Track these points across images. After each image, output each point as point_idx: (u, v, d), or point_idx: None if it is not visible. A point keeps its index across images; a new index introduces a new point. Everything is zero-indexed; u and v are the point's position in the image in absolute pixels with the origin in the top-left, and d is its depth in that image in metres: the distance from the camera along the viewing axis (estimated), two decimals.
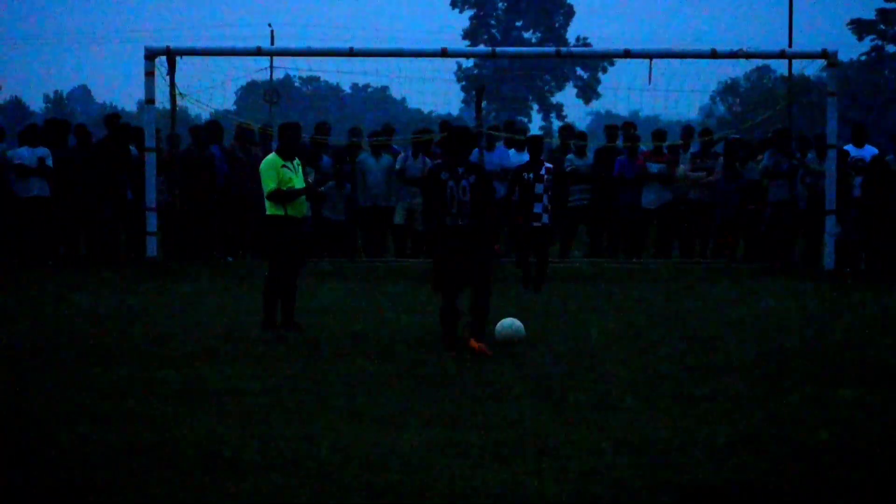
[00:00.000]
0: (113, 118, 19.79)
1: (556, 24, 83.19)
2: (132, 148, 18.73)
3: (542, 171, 15.23)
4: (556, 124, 71.37)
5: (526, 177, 15.15)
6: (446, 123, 21.61)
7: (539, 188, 15.11)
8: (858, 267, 18.20)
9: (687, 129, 20.42)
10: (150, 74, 18.17)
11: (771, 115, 21.97)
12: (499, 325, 10.70)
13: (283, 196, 11.36)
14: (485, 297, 10.28)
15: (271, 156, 11.55)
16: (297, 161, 11.59)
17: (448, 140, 10.64)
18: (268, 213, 11.47)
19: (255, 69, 20.99)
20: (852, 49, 67.36)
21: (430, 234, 10.62)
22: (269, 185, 11.37)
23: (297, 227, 11.54)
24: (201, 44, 42.11)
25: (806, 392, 8.47)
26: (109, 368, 9.30)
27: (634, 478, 6.25)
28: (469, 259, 10.22)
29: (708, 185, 19.18)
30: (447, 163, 10.40)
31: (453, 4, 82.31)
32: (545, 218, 15.12)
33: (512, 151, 19.42)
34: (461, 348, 10.03)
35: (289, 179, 11.40)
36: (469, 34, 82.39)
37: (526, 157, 18.83)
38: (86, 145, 19.01)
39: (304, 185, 11.59)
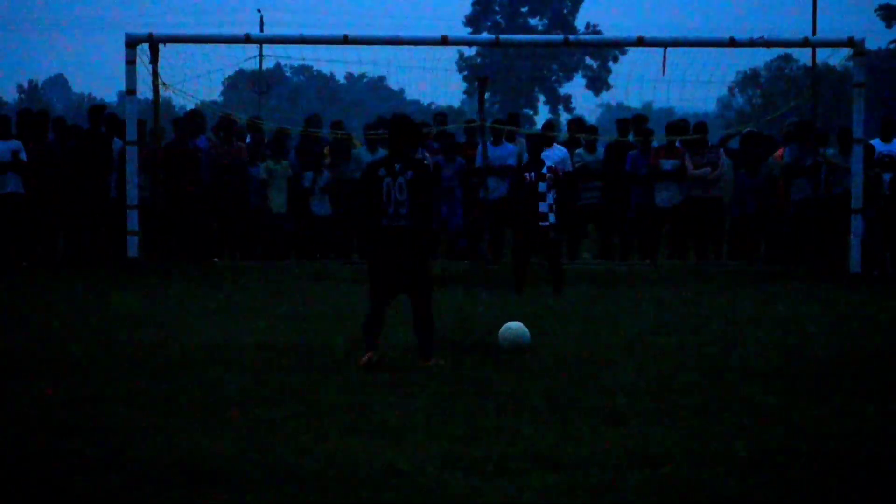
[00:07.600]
0: (97, 110, 19.76)
1: (564, 11, 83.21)
2: (117, 140, 18.69)
3: (544, 170, 15.36)
4: (565, 117, 71.45)
5: (528, 177, 15.24)
6: (441, 115, 21.61)
7: (542, 186, 15.17)
8: (884, 269, 18.16)
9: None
10: (131, 63, 18.14)
11: (795, 104, 21.91)
12: (504, 328, 10.69)
13: None
14: (425, 307, 10.01)
15: None
16: None
17: (389, 133, 10.30)
18: None
19: (244, 58, 21.01)
20: (881, 37, 67.39)
21: (362, 235, 10.33)
22: None
23: None
24: (186, 30, 42.16)
25: (832, 404, 8.45)
26: (89, 378, 9.28)
27: (648, 494, 6.24)
28: (405, 264, 9.96)
29: (714, 182, 19.10)
30: (386, 158, 10.14)
31: None
32: (551, 217, 15.17)
33: (511, 146, 19.37)
34: (378, 360, 9.80)
35: None
36: (471, 21, 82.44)
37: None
38: (64, 139, 18.98)
39: None
